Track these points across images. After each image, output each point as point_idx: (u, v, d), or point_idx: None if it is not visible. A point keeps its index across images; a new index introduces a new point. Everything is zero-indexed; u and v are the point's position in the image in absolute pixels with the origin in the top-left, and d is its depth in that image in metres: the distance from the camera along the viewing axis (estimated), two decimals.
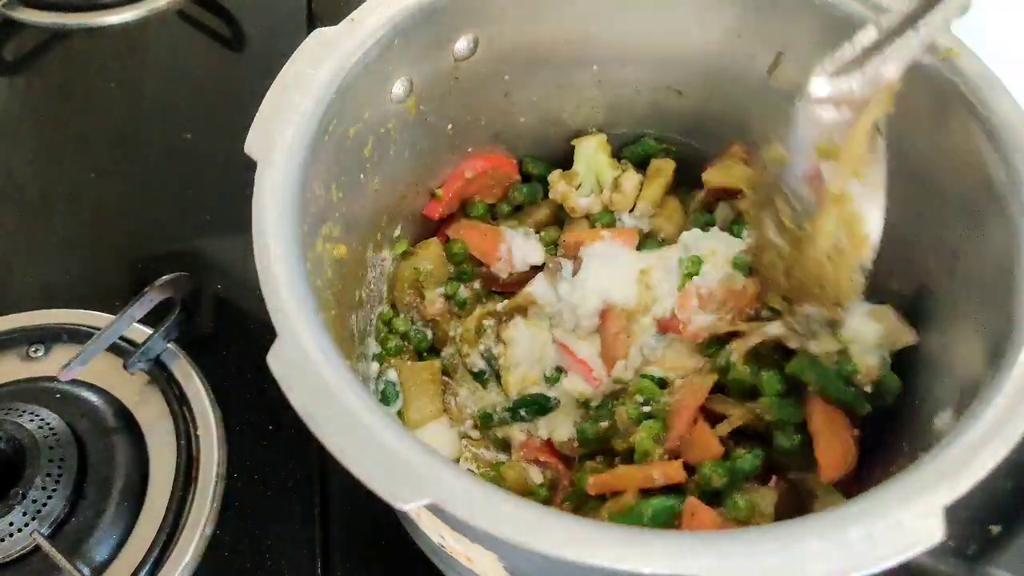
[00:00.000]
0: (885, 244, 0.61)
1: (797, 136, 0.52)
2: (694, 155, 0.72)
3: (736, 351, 0.59)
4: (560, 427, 0.65)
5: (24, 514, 0.62)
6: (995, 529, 0.62)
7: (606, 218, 0.71)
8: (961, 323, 0.52)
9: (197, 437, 0.69)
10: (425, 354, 0.70)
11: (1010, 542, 0.61)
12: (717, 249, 0.64)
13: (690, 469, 0.57)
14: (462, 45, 0.60)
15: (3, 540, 0.61)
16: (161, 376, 0.71)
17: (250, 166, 0.47)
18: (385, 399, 0.66)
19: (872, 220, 0.51)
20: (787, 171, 0.53)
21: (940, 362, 0.53)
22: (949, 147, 0.53)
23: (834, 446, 0.56)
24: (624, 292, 0.65)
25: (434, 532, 0.49)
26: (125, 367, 0.71)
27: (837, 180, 0.51)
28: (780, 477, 0.58)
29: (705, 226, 0.69)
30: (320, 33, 0.52)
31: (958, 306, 0.52)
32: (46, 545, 0.61)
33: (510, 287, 0.70)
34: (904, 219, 0.58)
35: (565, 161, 0.73)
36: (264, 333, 0.41)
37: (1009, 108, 0.50)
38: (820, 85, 0.50)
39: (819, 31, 0.58)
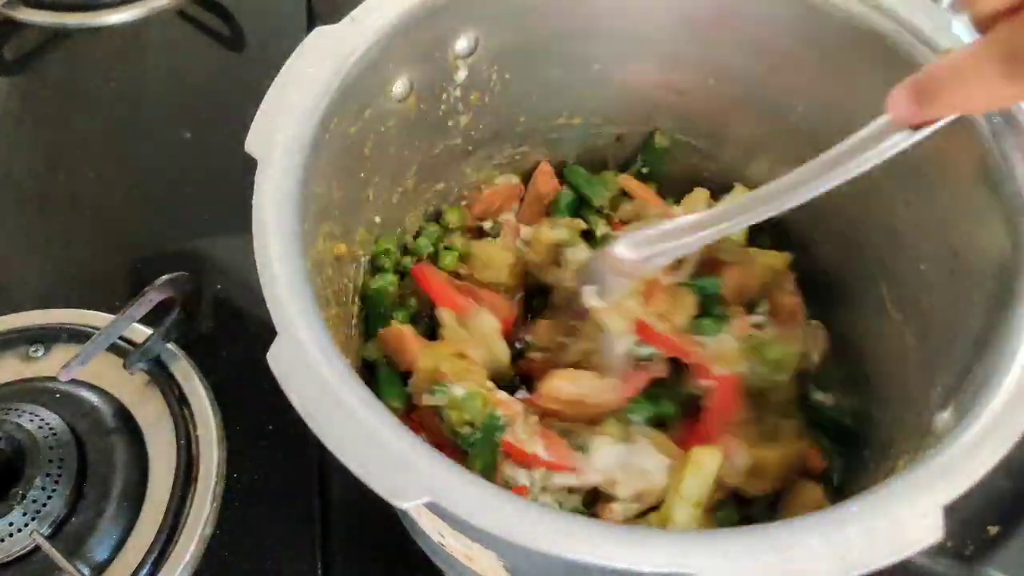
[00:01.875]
0: (886, 244, 0.61)
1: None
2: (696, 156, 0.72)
3: None
4: None
5: (24, 514, 0.62)
6: (993, 530, 0.62)
7: None
8: (960, 323, 0.52)
9: (197, 437, 0.69)
10: None
11: (1008, 543, 0.61)
12: None
13: None
14: (463, 44, 0.60)
15: (3, 540, 0.61)
16: (161, 376, 0.71)
17: (250, 166, 0.47)
18: None
19: None
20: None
21: (939, 362, 0.53)
22: (950, 147, 0.53)
23: None
24: None
25: (434, 531, 0.49)
26: (125, 367, 0.71)
27: None
28: None
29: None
30: (321, 32, 0.53)
31: (958, 306, 0.52)
32: (46, 545, 0.61)
33: None
34: (904, 219, 0.58)
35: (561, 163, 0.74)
36: (264, 333, 0.41)
37: (1011, 108, 0.50)
38: (621, 252, 0.59)
39: (818, 33, 0.58)
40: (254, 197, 0.46)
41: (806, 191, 0.49)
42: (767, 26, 0.60)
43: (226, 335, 0.76)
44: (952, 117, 0.44)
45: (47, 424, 0.66)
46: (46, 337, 0.74)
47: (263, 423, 0.71)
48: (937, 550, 0.37)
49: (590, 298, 0.60)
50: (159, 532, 0.64)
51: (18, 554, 0.62)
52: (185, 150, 0.90)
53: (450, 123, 0.65)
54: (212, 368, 0.73)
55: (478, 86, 0.63)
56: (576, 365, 0.61)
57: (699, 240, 0.55)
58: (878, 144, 0.46)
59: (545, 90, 0.67)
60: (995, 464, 0.39)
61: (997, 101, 0.43)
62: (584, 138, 0.72)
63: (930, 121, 0.44)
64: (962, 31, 0.52)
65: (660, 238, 0.57)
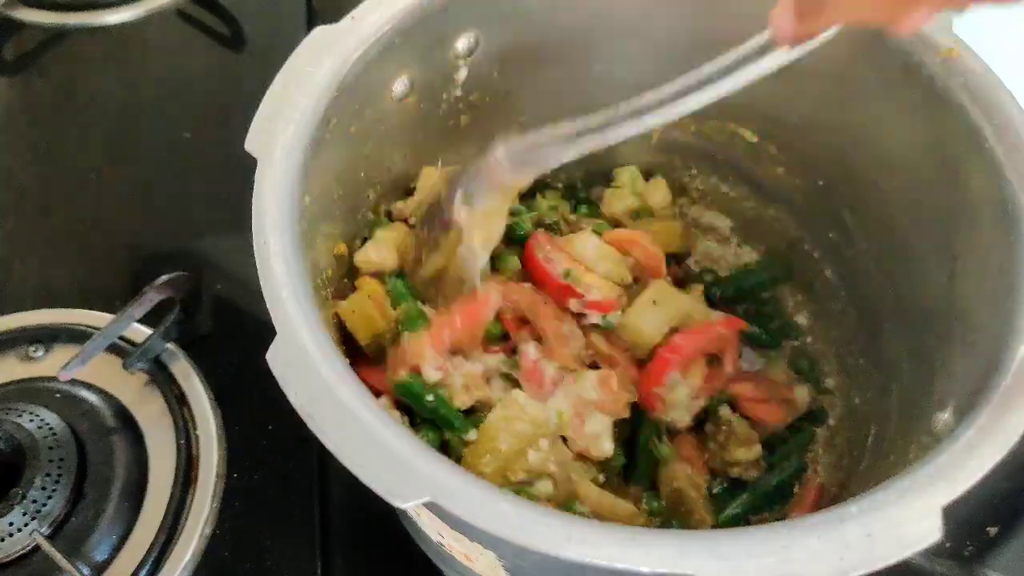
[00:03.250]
0: (886, 245, 0.61)
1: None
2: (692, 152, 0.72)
3: None
4: None
5: (24, 514, 0.62)
6: (992, 531, 0.62)
7: None
8: (960, 324, 0.52)
9: (197, 437, 0.69)
10: None
11: (1007, 544, 0.61)
12: None
13: None
14: (463, 44, 0.60)
15: (3, 540, 0.61)
16: (161, 376, 0.71)
17: (250, 165, 0.47)
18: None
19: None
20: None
21: (939, 363, 0.53)
22: (950, 148, 0.53)
23: None
24: None
25: (433, 531, 0.49)
26: (125, 367, 0.71)
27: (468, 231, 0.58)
28: None
29: None
30: (321, 31, 0.53)
31: (957, 307, 0.52)
32: (46, 545, 0.61)
33: None
34: (905, 220, 0.58)
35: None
36: (264, 333, 0.41)
37: (1011, 109, 0.50)
38: (501, 156, 0.56)
39: None
40: (254, 196, 0.46)
41: (680, 106, 0.49)
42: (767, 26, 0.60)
43: (226, 335, 0.76)
44: (831, 31, 0.43)
45: (47, 424, 0.66)
46: (46, 337, 0.74)
47: (263, 423, 0.71)
48: (936, 551, 0.37)
49: (459, 208, 0.58)
50: (159, 532, 0.64)
51: (18, 554, 0.62)
52: (185, 150, 0.90)
53: (450, 122, 0.65)
54: (212, 368, 0.73)
55: (478, 85, 0.63)
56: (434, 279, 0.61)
57: (578, 150, 0.54)
58: (757, 61, 0.46)
59: (545, 90, 0.67)
60: (994, 465, 0.39)
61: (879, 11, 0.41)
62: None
63: (811, 35, 0.44)
64: (963, 30, 0.52)
65: (543, 144, 0.55)
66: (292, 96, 0.50)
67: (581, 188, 0.76)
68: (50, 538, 0.62)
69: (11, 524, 0.61)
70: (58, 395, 0.70)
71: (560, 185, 0.76)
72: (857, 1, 0.40)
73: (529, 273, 0.65)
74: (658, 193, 0.75)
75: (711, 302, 0.70)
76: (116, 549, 0.64)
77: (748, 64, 0.46)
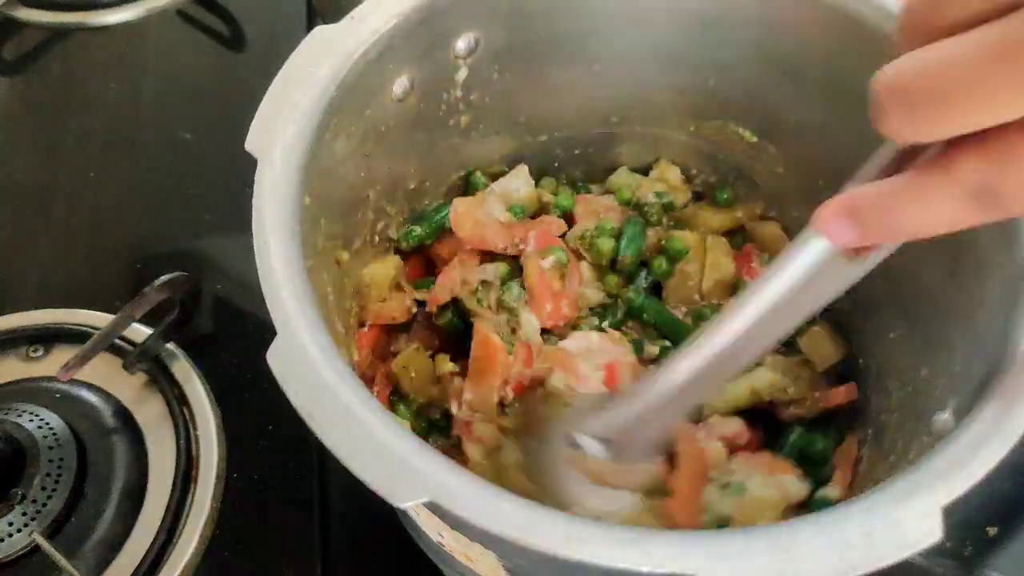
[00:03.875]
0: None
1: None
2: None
3: None
4: None
5: (24, 514, 0.62)
6: (992, 531, 0.62)
7: None
8: (961, 324, 0.52)
9: (197, 437, 0.69)
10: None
11: (1007, 544, 0.61)
12: None
13: None
14: (463, 44, 0.60)
15: (3, 540, 0.61)
16: (161, 376, 0.71)
17: (250, 165, 0.47)
18: None
19: None
20: None
21: (939, 362, 0.53)
22: None
23: None
24: None
25: (433, 531, 0.49)
26: (125, 367, 0.71)
27: None
28: None
29: None
30: (321, 31, 0.52)
31: (958, 307, 0.52)
32: (46, 545, 0.61)
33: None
34: None
35: (561, 163, 0.74)
36: (264, 333, 0.41)
37: None
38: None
39: (824, 34, 0.58)
40: (254, 196, 0.46)
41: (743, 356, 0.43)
42: (768, 27, 0.60)
43: (226, 335, 0.76)
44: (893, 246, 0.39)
45: (47, 424, 0.66)
46: (46, 337, 0.74)
47: (263, 423, 0.71)
48: (936, 551, 0.37)
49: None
50: (159, 532, 0.64)
51: (18, 554, 0.62)
52: (185, 150, 0.90)
53: (450, 122, 0.65)
54: (212, 368, 0.73)
55: (478, 86, 0.63)
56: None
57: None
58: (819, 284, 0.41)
59: (546, 90, 0.67)
60: (995, 465, 0.39)
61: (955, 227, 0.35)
62: (584, 137, 0.72)
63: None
64: None
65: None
66: (292, 96, 0.50)
67: (582, 187, 0.76)
68: (50, 538, 0.62)
69: (11, 524, 0.61)
70: (58, 395, 0.70)
71: (564, 178, 0.76)
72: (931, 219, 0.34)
73: None
74: (670, 173, 0.74)
75: None
76: (116, 549, 0.64)
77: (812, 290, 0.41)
